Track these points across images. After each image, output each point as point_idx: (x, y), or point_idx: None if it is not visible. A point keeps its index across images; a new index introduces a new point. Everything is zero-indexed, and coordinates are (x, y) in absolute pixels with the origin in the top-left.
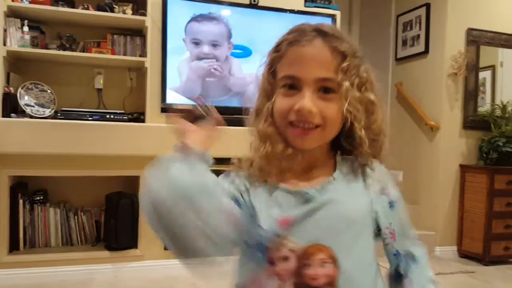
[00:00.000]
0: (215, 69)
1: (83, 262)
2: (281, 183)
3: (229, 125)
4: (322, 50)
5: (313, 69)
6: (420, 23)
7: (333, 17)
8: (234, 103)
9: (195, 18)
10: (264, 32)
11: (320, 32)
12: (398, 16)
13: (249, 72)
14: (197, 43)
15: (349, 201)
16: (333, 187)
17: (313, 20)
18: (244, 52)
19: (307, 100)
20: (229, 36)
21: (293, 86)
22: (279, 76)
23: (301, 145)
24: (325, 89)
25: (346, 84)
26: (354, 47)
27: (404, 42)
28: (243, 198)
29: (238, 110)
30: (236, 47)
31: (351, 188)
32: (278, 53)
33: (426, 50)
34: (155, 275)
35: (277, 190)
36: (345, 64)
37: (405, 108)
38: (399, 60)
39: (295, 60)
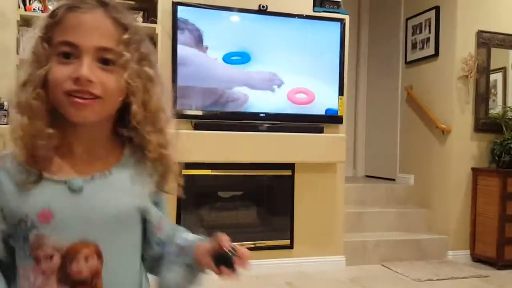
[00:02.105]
0: None
1: None
2: (46, 171)
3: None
4: (104, 20)
5: (93, 37)
6: (429, 26)
7: (342, 21)
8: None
9: None
10: (271, 37)
11: (101, 2)
12: (407, 19)
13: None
14: None
15: (118, 197)
16: (106, 180)
17: (322, 26)
18: (242, 58)
19: (86, 69)
20: (200, 40)
21: (70, 54)
22: (55, 42)
23: (79, 117)
24: (104, 61)
25: (127, 55)
26: (136, 24)
27: (414, 45)
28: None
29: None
30: (233, 54)
31: (125, 183)
32: (54, 18)
33: (436, 53)
34: None
35: (42, 179)
36: (126, 36)
37: (416, 112)
38: (408, 63)
39: (73, 27)
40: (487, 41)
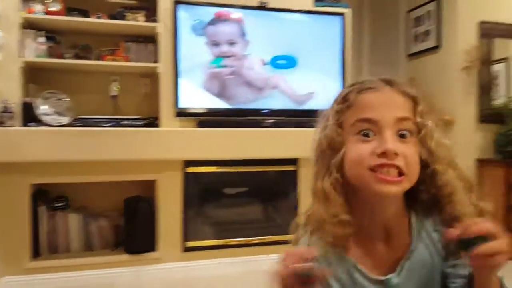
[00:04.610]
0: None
1: (103, 266)
2: (360, 264)
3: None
4: (394, 94)
5: (391, 110)
6: (431, 17)
7: (342, 15)
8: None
9: (211, 22)
10: (272, 33)
11: (386, 81)
12: (408, 11)
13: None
14: (216, 44)
15: (423, 277)
16: (410, 264)
17: (323, 20)
18: (288, 62)
19: (391, 142)
20: (243, 34)
21: (369, 131)
22: (351, 123)
23: (385, 191)
24: (401, 134)
25: (430, 123)
26: (420, 95)
27: (416, 38)
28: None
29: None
30: (280, 57)
31: (425, 258)
32: (346, 103)
33: (438, 45)
34: (174, 277)
35: (356, 272)
36: (421, 108)
37: None
38: (411, 55)
39: (368, 105)
40: (489, 31)
